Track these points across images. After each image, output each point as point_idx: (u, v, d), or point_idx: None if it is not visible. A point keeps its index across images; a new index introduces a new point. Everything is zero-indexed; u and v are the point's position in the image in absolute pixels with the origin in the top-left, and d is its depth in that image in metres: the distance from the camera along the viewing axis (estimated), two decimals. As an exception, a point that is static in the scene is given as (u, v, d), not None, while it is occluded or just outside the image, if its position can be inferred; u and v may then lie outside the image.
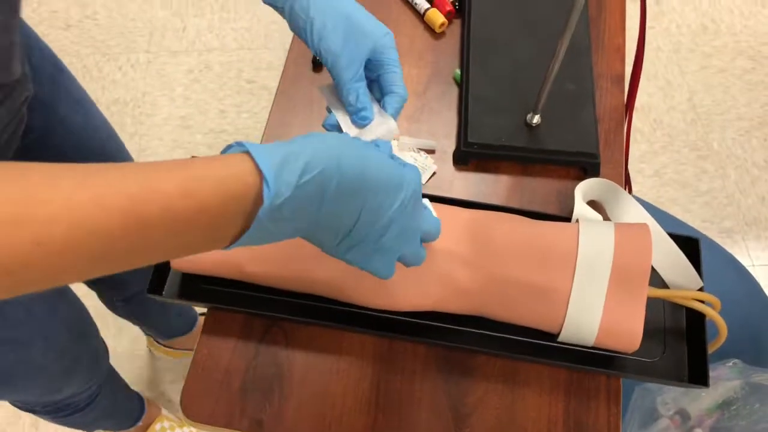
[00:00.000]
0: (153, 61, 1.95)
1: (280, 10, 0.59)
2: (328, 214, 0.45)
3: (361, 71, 0.58)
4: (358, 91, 0.58)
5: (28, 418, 1.42)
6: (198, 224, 0.39)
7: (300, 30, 0.58)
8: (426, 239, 0.55)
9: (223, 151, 0.43)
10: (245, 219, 0.42)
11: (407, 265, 0.54)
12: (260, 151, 0.42)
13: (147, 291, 0.66)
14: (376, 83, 0.61)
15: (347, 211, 0.46)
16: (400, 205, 0.48)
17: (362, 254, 0.50)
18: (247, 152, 0.41)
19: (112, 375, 1.16)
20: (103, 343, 1.03)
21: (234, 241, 0.42)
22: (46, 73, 0.78)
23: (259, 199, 0.41)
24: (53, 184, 0.35)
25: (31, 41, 0.75)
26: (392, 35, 0.60)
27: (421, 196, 0.53)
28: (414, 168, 0.52)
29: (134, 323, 1.31)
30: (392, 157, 0.54)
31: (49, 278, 0.36)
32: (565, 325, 0.62)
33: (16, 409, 0.99)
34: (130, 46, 1.97)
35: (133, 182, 0.37)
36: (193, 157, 0.44)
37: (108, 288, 1.08)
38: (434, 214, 0.63)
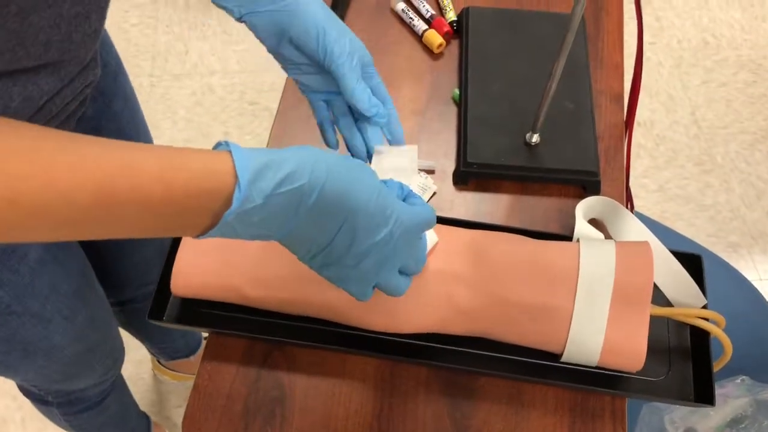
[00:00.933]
0: (156, 84, 1.96)
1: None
2: (301, 228, 0.45)
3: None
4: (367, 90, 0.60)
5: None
6: (166, 210, 0.40)
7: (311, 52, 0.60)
8: (405, 271, 0.55)
9: (213, 148, 0.44)
10: (215, 215, 0.42)
11: (386, 293, 0.54)
12: (242, 153, 0.42)
13: (148, 317, 0.65)
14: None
15: (321, 230, 0.46)
16: (382, 239, 0.48)
17: (337, 274, 0.50)
18: (230, 152, 0.42)
19: (123, 385, 1.17)
20: (121, 342, 1.03)
21: (205, 232, 0.43)
22: (111, 69, 0.80)
23: (230, 200, 0.41)
24: (37, 144, 0.37)
25: (104, 35, 0.77)
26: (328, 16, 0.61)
27: (413, 236, 0.52)
28: (424, 209, 0.51)
29: (135, 337, 1.31)
30: (406, 196, 0.53)
31: (18, 233, 0.38)
32: (567, 345, 0.61)
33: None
34: (133, 71, 1.99)
35: (112, 157, 0.39)
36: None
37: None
38: (434, 235, 0.63)
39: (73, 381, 0.95)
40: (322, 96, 0.64)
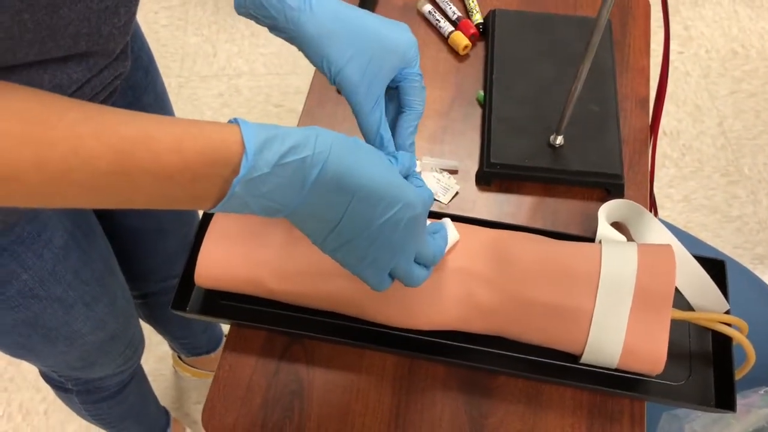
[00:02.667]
0: (184, 85, 1.99)
1: (290, 40, 0.56)
2: (309, 203, 0.46)
3: (382, 99, 0.56)
4: (379, 123, 0.56)
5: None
6: (181, 180, 0.42)
7: (316, 61, 0.55)
8: (421, 262, 0.55)
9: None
10: (225, 183, 0.44)
11: (403, 283, 0.54)
12: (250, 126, 0.44)
13: (171, 307, 0.66)
14: (393, 91, 0.59)
15: (328, 206, 0.47)
16: (389, 220, 0.49)
17: (350, 258, 0.51)
18: (239, 125, 0.44)
19: (143, 377, 1.18)
20: (141, 333, 1.04)
21: (216, 203, 0.45)
22: (143, 63, 0.82)
23: (238, 169, 0.43)
24: (62, 114, 0.39)
25: (136, 29, 0.79)
26: (416, 43, 0.58)
27: (423, 220, 0.52)
28: (425, 192, 0.52)
29: (157, 331, 1.32)
30: (411, 174, 0.54)
31: (40, 197, 0.40)
32: (587, 346, 0.61)
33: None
34: (162, 71, 2.00)
35: (132, 127, 0.41)
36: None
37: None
38: (455, 233, 0.63)
39: (93, 369, 0.96)
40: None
